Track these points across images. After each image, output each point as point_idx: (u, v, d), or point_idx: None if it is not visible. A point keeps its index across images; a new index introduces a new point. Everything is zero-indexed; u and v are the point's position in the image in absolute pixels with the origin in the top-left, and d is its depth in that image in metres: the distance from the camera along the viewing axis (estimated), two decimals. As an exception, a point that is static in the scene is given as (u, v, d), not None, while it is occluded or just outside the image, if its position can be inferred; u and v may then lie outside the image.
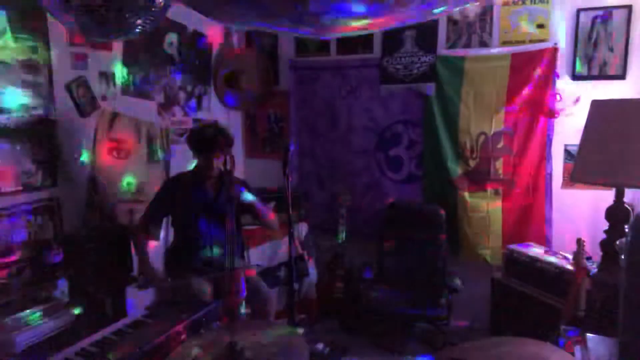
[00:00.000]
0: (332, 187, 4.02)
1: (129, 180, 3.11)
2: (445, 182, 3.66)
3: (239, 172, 4.00)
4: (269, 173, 3.90)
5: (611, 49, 3.21)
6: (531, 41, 3.39)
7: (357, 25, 2.00)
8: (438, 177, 3.70)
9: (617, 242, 2.55)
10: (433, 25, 3.58)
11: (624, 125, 2.39)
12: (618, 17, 3.17)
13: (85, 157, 2.80)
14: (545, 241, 3.40)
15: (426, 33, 3.63)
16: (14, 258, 2.35)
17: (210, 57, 3.92)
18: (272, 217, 2.89)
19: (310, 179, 4.16)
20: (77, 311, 2.29)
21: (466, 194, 3.61)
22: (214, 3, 2.08)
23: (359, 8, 1.83)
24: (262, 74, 4.13)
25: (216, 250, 2.76)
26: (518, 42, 3.42)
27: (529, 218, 3.48)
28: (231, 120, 4.18)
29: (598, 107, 2.57)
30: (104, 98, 2.90)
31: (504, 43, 3.46)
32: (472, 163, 3.59)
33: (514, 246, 3.28)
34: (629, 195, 2.76)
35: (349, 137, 3.98)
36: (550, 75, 3.32)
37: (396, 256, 3.63)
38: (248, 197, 2.74)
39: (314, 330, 3.59)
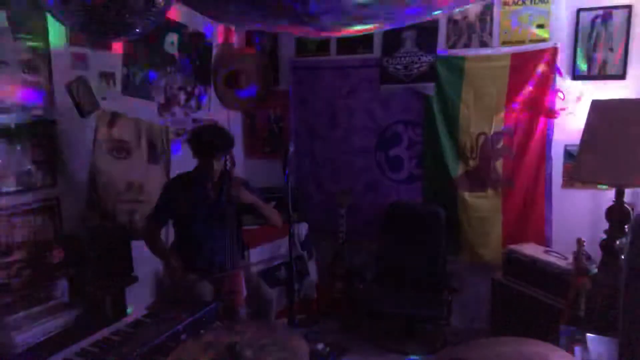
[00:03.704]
0: (331, 187, 4.02)
1: (129, 181, 3.10)
2: (445, 182, 3.66)
3: (239, 172, 4.01)
4: (269, 173, 3.90)
5: (611, 49, 3.21)
6: (531, 41, 3.39)
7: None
8: (438, 177, 3.70)
9: (617, 242, 2.56)
10: (433, 25, 3.58)
11: (624, 125, 2.39)
12: (618, 17, 3.16)
13: (85, 157, 2.80)
14: (545, 241, 3.40)
15: (426, 33, 3.63)
16: (14, 258, 2.35)
17: (210, 57, 3.92)
18: (275, 213, 2.89)
19: (309, 180, 4.15)
20: (76, 311, 2.29)
21: (466, 194, 3.61)
22: (214, 3, 2.08)
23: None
24: (262, 74, 4.13)
25: (217, 251, 2.76)
26: (518, 42, 3.42)
27: (529, 218, 3.48)
28: (231, 120, 4.18)
29: (598, 107, 2.58)
30: (104, 98, 2.90)
31: (504, 43, 3.46)
32: (472, 163, 3.59)
33: (514, 246, 3.28)
34: (629, 195, 2.76)
35: (349, 137, 3.97)
36: (550, 76, 3.32)
37: (396, 256, 3.63)
38: (249, 195, 2.74)
39: (314, 330, 3.59)
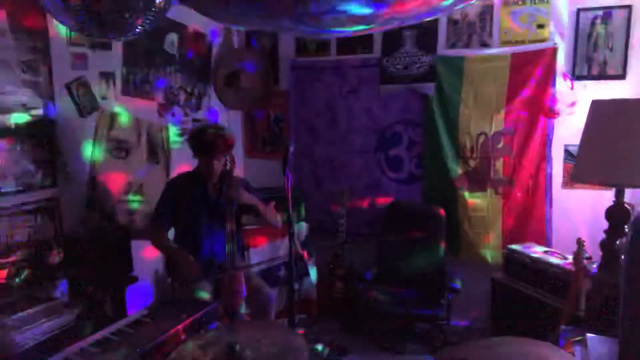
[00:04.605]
0: (331, 187, 4.02)
1: (128, 181, 3.11)
2: (445, 182, 3.66)
3: (239, 172, 4.01)
4: (269, 173, 3.90)
5: (611, 49, 3.21)
6: (531, 41, 3.39)
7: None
8: (438, 177, 3.70)
9: (617, 242, 2.55)
10: (433, 25, 3.58)
11: (624, 125, 2.38)
12: (618, 17, 3.17)
13: (85, 157, 2.80)
14: (545, 241, 3.40)
15: (426, 33, 3.63)
16: (14, 258, 2.35)
17: (210, 57, 3.93)
18: (274, 214, 2.89)
19: (309, 180, 4.15)
20: (76, 311, 2.29)
21: (466, 194, 3.61)
22: (214, 3, 2.08)
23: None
24: (262, 74, 4.13)
25: (217, 251, 2.76)
26: (518, 42, 3.42)
27: (529, 218, 3.48)
28: (231, 120, 4.18)
29: (598, 107, 2.57)
30: (104, 98, 2.90)
31: (504, 43, 3.46)
32: (472, 163, 3.59)
33: (514, 246, 3.28)
34: (629, 195, 2.76)
35: (349, 137, 3.98)
36: (550, 75, 3.32)
37: (396, 256, 3.63)
38: (248, 196, 2.74)
39: (314, 330, 3.59)
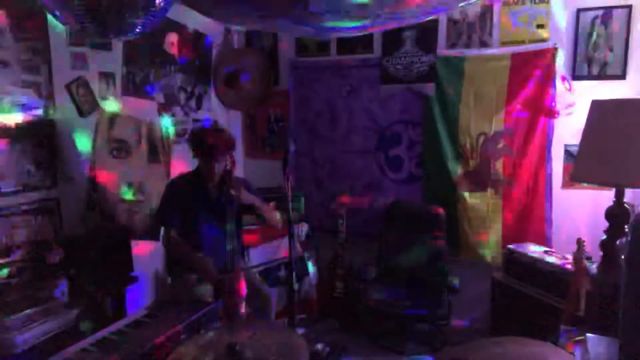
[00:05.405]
0: (331, 187, 4.02)
1: (128, 181, 3.11)
2: (445, 182, 3.66)
3: (238, 172, 4.01)
4: (269, 173, 3.90)
5: (611, 49, 3.21)
6: (531, 41, 3.39)
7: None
8: (438, 177, 3.70)
9: (617, 242, 2.55)
10: (433, 25, 3.59)
11: (624, 125, 2.39)
12: (618, 17, 3.17)
13: (85, 157, 2.80)
14: (545, 241, 3.40)
15: (426, 33, 3.63)
16: (14, 258, 2.35)
17: (210, 57, 3.92)
18: (275, 215, 2.89)
19: (309, 180, 4.15)
20: (76, 311, 2.29)
21: (466, 194, 3.61)
22: (214, 3, 2.08)
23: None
24: (262, 74, 4.13)
25: (217, 251, 2.75)
26: (518, 42, 3.42)
27: (529, 218, 3.48)
28: (231, 120, 4.18)
29: (598, 107, 2.57)
30: (104, 98, 2.90)
31: (504, 43, 3.46)
32: (472, 163, 3.59)
33: (514, 246, 3.28)
34: (629, 195, 2.76)
35: (349, 137, 3.98)
36: (550, 75, 3.32)
37: (396, 256, 3.63)
38: (248, 196, 2.74)
39: (314, 330, 3.59)
